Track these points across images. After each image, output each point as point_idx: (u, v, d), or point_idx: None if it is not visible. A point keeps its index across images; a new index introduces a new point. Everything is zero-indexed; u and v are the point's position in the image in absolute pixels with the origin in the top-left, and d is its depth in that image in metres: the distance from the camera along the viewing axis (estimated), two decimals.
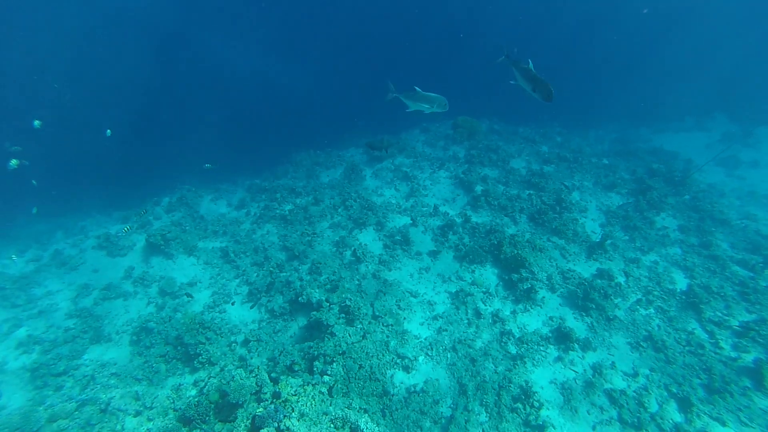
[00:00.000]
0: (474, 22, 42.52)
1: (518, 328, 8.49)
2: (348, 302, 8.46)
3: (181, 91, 31.95)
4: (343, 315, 8.40)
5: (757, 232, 11.77)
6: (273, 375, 7.08)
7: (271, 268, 10.20)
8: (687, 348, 8.12)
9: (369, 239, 11.25)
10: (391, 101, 7.75)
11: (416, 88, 7.08)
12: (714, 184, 15.26)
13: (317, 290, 9.30)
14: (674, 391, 7.27)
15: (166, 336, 8.73)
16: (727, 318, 8.70)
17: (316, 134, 21.00)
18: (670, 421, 6.76)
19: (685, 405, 7.00)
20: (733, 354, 7.90)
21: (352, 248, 10.77)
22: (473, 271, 9.85)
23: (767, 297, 8.99)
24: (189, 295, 10.03)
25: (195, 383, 7.62)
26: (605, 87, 31.77)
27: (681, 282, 9.78)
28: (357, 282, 9.78)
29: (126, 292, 10.38)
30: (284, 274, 10.24)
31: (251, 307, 9.71)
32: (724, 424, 6.67)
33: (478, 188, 12.75)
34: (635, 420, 6.79)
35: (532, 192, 12.61)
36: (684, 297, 9.24)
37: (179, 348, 8.36)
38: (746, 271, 10.10)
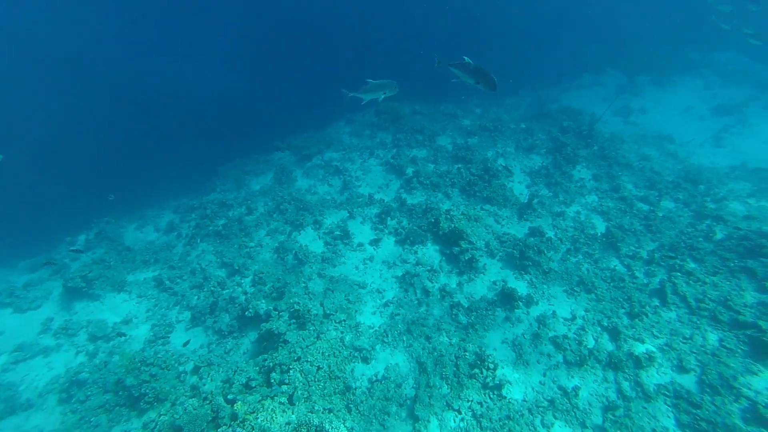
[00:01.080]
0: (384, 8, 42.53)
1: (466, 298, 8.86)
2: (297, 306, 8.29)
3: (82, 111, 28.83)
4: (294, 320, 8.23)
5: (652, 170, 13.25)
6: (230, 396, 6.78)
7: (213, 288, 9.69)
8: (612, 284, 8.98)
9: (309, 239, 11.05)
10: (350, 101, 7.89)
11: (369, 80, 7.22)
12: (615, 133, 16.83)
13: (263, 301, 9.01)
14: (605, 324, 8.04)
15: (103, 384, 8.01)
16: (638, 250, 9.74)
17: (240, 142, 20.06)
18: (605, 351, 7.48)
19: (614, 334, 7.78)
20: (645, 280, 8.89)
21: (293, 251, 10.52)
22: (416, 252, 10.07)
23: (664, 225, 10.19)
24: (121, 334, 9.25)
25: (144, 426, 7.08)
26: (516, 54, 33.51)
27: (600, 226, 10.75)
28: (303, 284, 9.59)
29: (46, 347, 9.31)
30: (227, 290, 9.78)
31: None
32: (643, 341, 7.51)
33: (409, 170, 12.98)
34: (577, 358, 7.41)
35: (460, 165, 13.08)
36: (604, 239, 10.16)
37: (121, 393, 7.71)
38: (647, 205, 11.35)
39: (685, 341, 7.46)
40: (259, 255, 10.99)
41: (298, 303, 8.37)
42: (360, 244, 10.66)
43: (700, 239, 9.68)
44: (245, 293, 9.50)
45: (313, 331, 8.00)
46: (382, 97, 7.35)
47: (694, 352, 7.23)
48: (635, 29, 32.26)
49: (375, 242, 10.61)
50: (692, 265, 8.94)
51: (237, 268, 10.34)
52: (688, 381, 6.88)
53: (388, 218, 11.09)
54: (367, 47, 35.58)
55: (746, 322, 7.31)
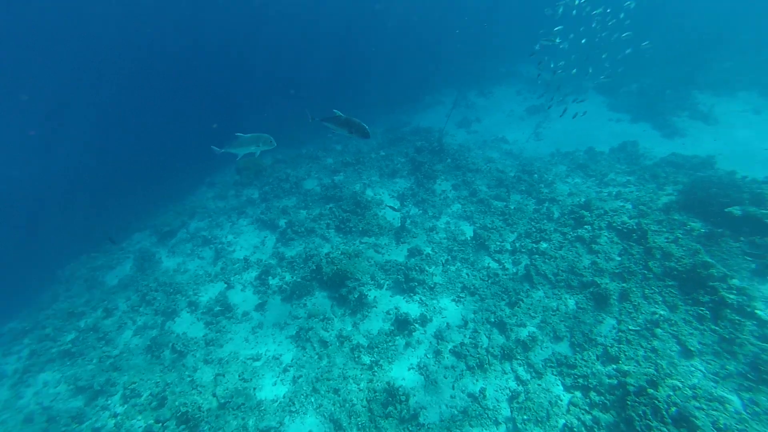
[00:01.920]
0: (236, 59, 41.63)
1: (364, 337, 8.76)
2: (184, 408, 7.23)
3: None
4: (184, 425, 7.12)
5: (497, 170, 15.23)
6: None
7: (63, 429, 7.81)
8: (490, 281, 9.86)
9: (186, 325, 9.82)
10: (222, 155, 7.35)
11: (239, 134, 6.71)
12: (462, 143, 19.04)
13: (140, 416, 7.62)
14: (493, 320, 8.73)
15: None
16: (503, 244, 10.95)
17: (85, 232, 17.12)
18: (498, 346, 8.08)
19: (501, 327, 8.48)
20: (514, 269, 10.00)
21: (170, 345, 9.21)
22: (305, 305, 9.70)
23: (516, 216, 11.70)
24: None
25: None
26: (368, 84, 35.83)
27: (468, 230, 11.82)
28: (188, 378, 8.41)
29: None
30: (89, 421, 8.00)
31: None
32: (525, 326, 8.36)
33: (282, 222, 12.62)
34: (477, 361, 7.85)
35: (332, 205, 13.22)
36: (474, 242, 11.18)
37: None
38: (501, 202, 12.94)
39: (554, 313, 8.50)
40: (128, 362, 9.34)
41: (185, 403, 7.30)
42: (245, 314, 9.85)
43: (545, 221, 11.33)
44: (114, 416, 7.90)
45: (209, 429, 7.00)
46: (259, 151, 6.99)
47: (562, 321, 8.27)
48: (460, 52, 37.46)
49: (261, 306, 9.92)
50: (544, 245, 10.36)
51: (99, 388, 8.58)
52: (563, 347, 7.81)
53: (270, 277, 10.52)
54: (211, 101, 34.34)
55: (588, 282, 8.68)
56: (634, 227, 9.22)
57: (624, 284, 8.11)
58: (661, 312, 7.47)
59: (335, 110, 5.72)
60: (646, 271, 8.10)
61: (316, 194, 14.18)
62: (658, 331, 7.13)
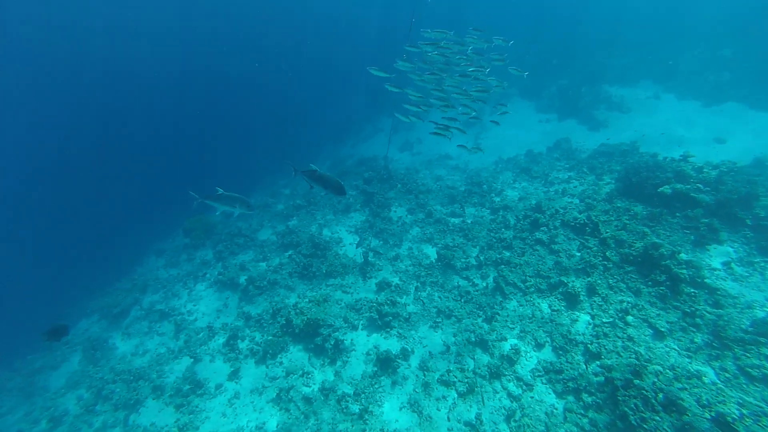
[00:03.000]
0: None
1: (348, 384, 8.34)
2: None
3: None
4: None
5: (448, 187, 15.60)
6: None
7: None
8: (463, 300, 9.84)
9: (155, 413, 8.87)
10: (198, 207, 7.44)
11: (218, 189, 6.79)
12: (408, 166, 19.41)
13: None
14: (474, 339, 8.64)
15: None
16: (467, 260, 11.05)
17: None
18: (483, 365, 7.98)
19: (483, 345, 8.41)
20: (483, 284, 10.08)
21: None
22: (281, 363, 9.14)
23: (474, 230, 11.93)
24: None
25: None
26: (307, 122, 35.97)
27: (432, 253, 11.84)
28: None
29: None
30: None
31: None
32: (506, 339, 8.36)
33: (242, 279, 12.00)
34: (467, 386, 7.67)
35: (291, 252, 12.80)
36: (440, 263, 11.18)
37: None
38: (456, 218, 13.17)
39: (531, 320, 8.58)
40: None
41: None
42: (219, 386, 9.09)
43: (503, 229, 11.62)
44: None
45: None
46: (237, 213, 6.88)
47: (540, 326, 8.35)
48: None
49: (234, 374, 9.20)
50: (507, 254, 10.57)
51: None
52: (547, 353, 7.86)
53: (239, 341, 9.85)
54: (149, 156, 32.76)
55: (556, 283, 8.90)
56: (586, 221, 9.66)
57: (589, 279, 8.38)
58: (628, 299, 7.76)
59: (311, 165, 5.96)
60: (606, 262, 8.44)
61: (272, 244, 13.69)
62: (629, 318, 7.38)
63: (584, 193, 11.62)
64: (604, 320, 7.52)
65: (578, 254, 9.24)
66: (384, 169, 17.31)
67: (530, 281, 9.36)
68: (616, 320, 7.47)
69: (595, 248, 8.87)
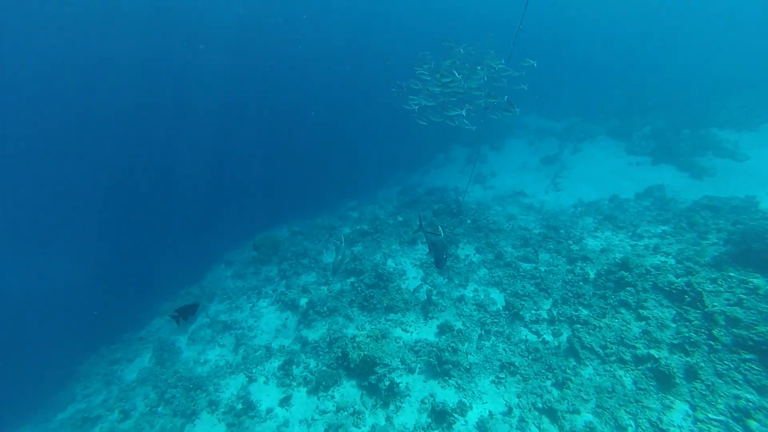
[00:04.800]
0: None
1: (399, 431, 7.91)
2: None
3: None
4: None
5: (520, 228, 14.73)
6: None
7: None
8: (530, 357, 8.99)
9: (206, 429, 9.13)
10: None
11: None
12: (479, 200, 18.79)
13: None
14: (540, 406, 7.78)
15: None
16: (539, 312, 10.16)
17: (101, 325, 16.97)
18: None
19: (552, 415, 7.51)
20: (555, 342, 9.13)
21: None
22: (333, 397, 8.95)
23: (548, 279, 10.99)
24: None
25: None
26: (378, 146, 36.71)
27: (499, 298, 11.11)
28: None
29: None
30: None
31: None
32: (579, 412, 7.38)
33: (303, 301, 12.20)
34: None
35: (353, 279, 12.79)
36: (507, 312, 10.43)
37: None
38: (529, 264, 12.29)
39: (610, 395, 7.53)
40: None
41: None
42: (269, 410, 9.13)
43: (580, 283, 10.58)
44: None
45: None
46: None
47: (621, 405, 7.28)
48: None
49: (285, 401, 9.20)
50: (585, 312, 9.55)
51: None
52: None
53: (293, 366, 9.90)
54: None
55: (643, 356, 7.76)
56: (685, 287, 8.41)
57: (688, 359, 7.17)
58: (748, 396, 6.43)
59: (439, 227, 6.75)
60: (712, 342, 7.18)
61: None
62: (753, 424, 6.04)
63: (682, 253, 10.20)
64: (711, 416, 6.30)
65: (673, 326, 8.02)
66: (454, 202, 16.92)
67: (611, 348, 8.30)
68: (730, 421, 6.21)
69: (697, 322, 7.62)
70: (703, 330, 7.43)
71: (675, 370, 7.01)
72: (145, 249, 25.35)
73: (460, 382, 8.73)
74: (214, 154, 38.09)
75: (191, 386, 10.44)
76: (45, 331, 18.16)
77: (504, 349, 9.39)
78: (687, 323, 7.72)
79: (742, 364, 6.69)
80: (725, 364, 6.80)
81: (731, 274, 8.38)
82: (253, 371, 10.16)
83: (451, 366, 8.90)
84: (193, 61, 43.63)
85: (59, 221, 31.71)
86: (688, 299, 8.15)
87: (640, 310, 8.70)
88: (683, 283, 8.47)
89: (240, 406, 9.28)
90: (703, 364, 6.92)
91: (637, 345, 8.00)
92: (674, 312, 8.25)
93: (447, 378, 8.85)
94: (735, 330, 7.10)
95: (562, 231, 13.89)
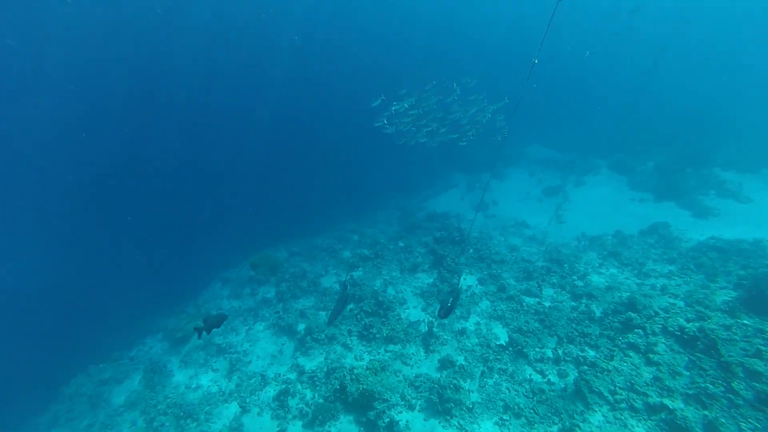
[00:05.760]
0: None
1: None
2: None
3: None
4: None
5: (523, 260, 14.53)
6: None
7: None
8: (535, 399, 8.65)
9: None
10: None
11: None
12: (481, 229, 18.63)
13: None
14: None
15: None
16: (543, 350, 9.87)
17: (88, 340, 16.39)
18: None
19: None
20: (561, 384, 8.81)
21: None
22: None
23: (553, 316, 10.72)
24: None
25: None
26: (377, 169, 36.65)
27: (502, 334, 10.81)
28: None
29: None
30: None
31: None
32: None
33: (301, 327, 11.86)
34: None
35: (352, 306, 12.47)
36: (510, 348, 10.12)
37: None
38: (532, 298, 12.05)
39: None
40: None
41: None
42: None
43: (586, 321, 10.33)
44: None
45: None
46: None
47: None
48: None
49: None
50: (591, 353, 9.27)
51: None
52: None
53: (289, 398, 9.49)
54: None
55: (656, 405, 7.46)
56: (697, 333, 8.18)
57: (706, 412, 6.88)
58: None
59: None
60: (731, 396, 6.88)
61: (335, 293, 13.52)
62: None
63: (691, 295, 10.00)
64: None
65: (687, 373, 7.75)
66: (456, 230, 16.75)
67: (621, 394, 8.00)
68: None
69: (712, 372, 7.36)
70: (720, 381, 7.16)
71: (693, 424, 6.71)
72: (139, 262, 24.84)
73: (462, 422, 8.37)
74: (214, 168, 37.98)
75: (182, 414, 10.00)
76: (31, 345, 17.57)
77: (508, 389, 9.06)
78: (702, 372, 7.46)
79: None
80: (749, 422, 6.46)
81: (745, 321, 8.18)
82: (247, 401, 9.75)
83: (453, 404, 8.56)
84: (195, 74, 44.02)
85: (55, 225, 31.36)
86: (701, 346, 7.92)
87: (650, 355, 8.44)
88: (695, 329, 8.25)
89: None
90: (723, 420, 6.60)
91: (648, 392, 7.71)
92: (687, 359, 7.99)
93: (449, 417, 8.49)
94: (757, 384, 6.82)
95: (565, 265, 13.70)
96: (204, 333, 6.62)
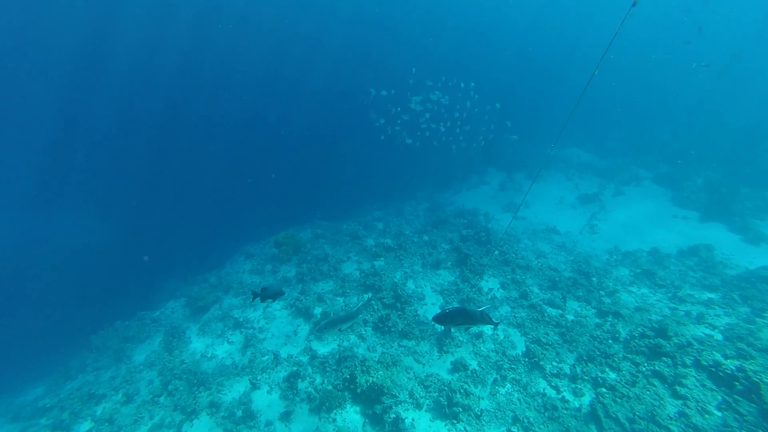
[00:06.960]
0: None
1: None
2: None
3: None
4: None
5: (550, 268, 14.00)
6: None
7: None
8: (546, 414, 8.38)
9: (204, 431, 8.94)
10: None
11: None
12: (509, 231, 18.08)
13: None
14: None
15: None
16: (560, 365, 9.51)
17: (118, 298, 17.23)
18: None
19: None
20: (576, 403, 8.48)
21: None
22: (334, 420, 8.59)
23: (575, 331, 10.29)
24: None
25: None
26: (407, 161, 36.33)
27: (519, 343, 10.51)
28: None
29: None
30: None
31: None
32: None
33: (317, 311, 11.94)
34: None
35: (370, 295, 12.45)
36: (526, 359, 9.82)
37: None
38: (555, 309, 11.61)
39: None
40: None
41: None
42: (268, 423, 8.87)
43: (609, 341, 9.87)
44: None
45: None
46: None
47: None
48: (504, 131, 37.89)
49: (286, 416, 8.91)
50: (612, 375, 8.86)
51: None
52: None
53: (299, 380, 9.60)
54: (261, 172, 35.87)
55: None
56: (736, 372, 7.62)
57: None
58: None
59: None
60: None
61: (354, 280, 13.51)
62: None
63: (732, 329, 9.32)
64: None
65: (719, 414, 7.25)
66: (484, 230, 16.32)
67: (640, 424, 7.60)
68: None
69: (752, 419, 6.84)
70: (760, 429, 6.64)
71: None
72: (171, 230, 25.81)
73: (468, 428, 8.22)
74: (248, 150, 39.10)
75: (195, 381, 10.32)
76: (67, 293, 18.67)
77: (519, 400, 8.81)
78: (738, 416, 6.94)
79: None
80: None
81: None
82: (258, 378, 9.94)
83: (461, 409, 8.40)
84: (233, 66, 45.76)
85: (98, 185, 33.24)
86: (740, 388, 7.36)
87: (677, 387, 7.96)
88: (734, 367, 7.69)
89: (240, 413, 9.06)
90: None
91: (671, 427, 7.28)
92: (720, 398, 7.47)
93: (455, 421, 8.35)
94: None
95: (594, 279, 13.11)
96: (258, 300, 7.12)
